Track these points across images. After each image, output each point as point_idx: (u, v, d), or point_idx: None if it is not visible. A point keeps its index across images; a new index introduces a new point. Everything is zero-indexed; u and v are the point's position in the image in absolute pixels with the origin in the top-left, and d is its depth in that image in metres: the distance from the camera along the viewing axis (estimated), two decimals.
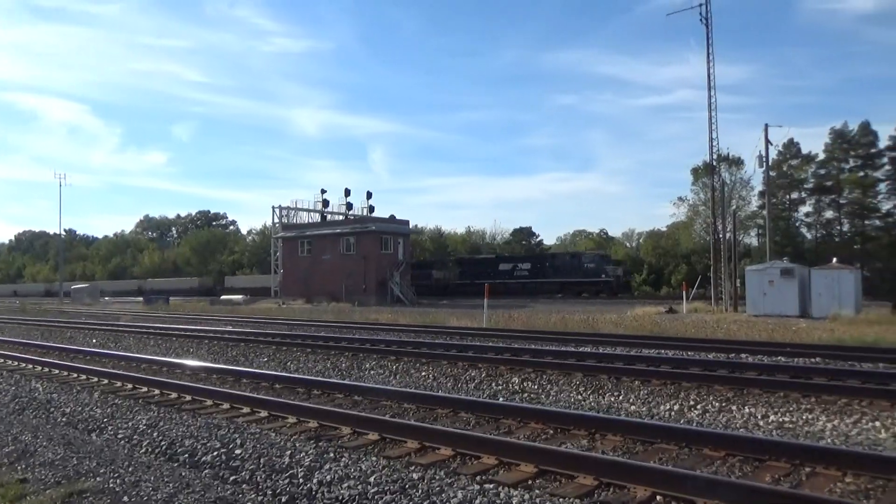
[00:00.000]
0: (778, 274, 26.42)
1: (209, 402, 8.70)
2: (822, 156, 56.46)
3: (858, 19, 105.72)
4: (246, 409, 8.18)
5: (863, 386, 8.81)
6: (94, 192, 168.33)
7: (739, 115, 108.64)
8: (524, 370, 10.93)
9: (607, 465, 5.22)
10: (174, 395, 9.32)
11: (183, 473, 5.71)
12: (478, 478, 5.31)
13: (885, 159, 54.59)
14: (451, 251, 77.56)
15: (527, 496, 4.79)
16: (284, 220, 59.24)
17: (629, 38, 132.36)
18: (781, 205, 56.79)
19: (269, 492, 5.15)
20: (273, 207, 59.35)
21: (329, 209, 59.43)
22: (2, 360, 13.95)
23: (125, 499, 5.07)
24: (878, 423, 7.29)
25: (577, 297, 47.26)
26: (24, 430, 7.61)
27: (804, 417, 7.69)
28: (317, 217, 59.60)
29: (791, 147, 56.45)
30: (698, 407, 8.39)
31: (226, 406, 8.45)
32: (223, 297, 57.83)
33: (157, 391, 9.66)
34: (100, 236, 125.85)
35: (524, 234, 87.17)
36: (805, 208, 57.94)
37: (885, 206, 54.08)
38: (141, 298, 60.18)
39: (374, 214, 56.27)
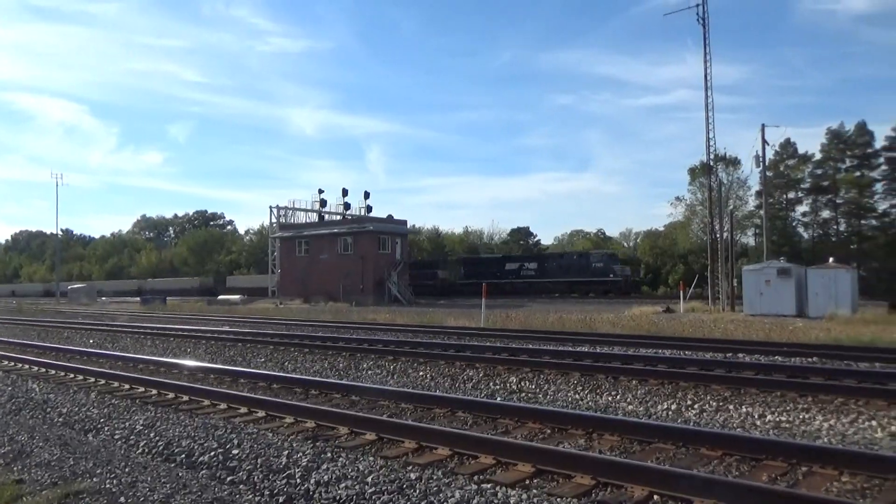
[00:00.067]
0: (775, 273, 26.48)
1: (206, 403, 8.69)
2: (818, 156, 56.67)
3: (855, 19, 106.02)
4: (243, 410, 8.17)
5: (859, 385, 8.83)
6: (91, 192, 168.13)
7: (737, 115, 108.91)
8: (522, 370, 10.93)
9: (605, 465, 5.22)
10: (171, 395, 9.31)
11: (180, 474, 5.70)
12: (475, 478, 5.31)
13: (882, 159, 54.77)
14: (449, 251, 77.53)
15: (524, 496, 4.79)
16: (282, 219, 59.19)
17: (627, 39, 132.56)
18: (778, 204, 56.91)
19: (267, 492, 5.15)
20: (270, 207, 59.33)
21: (327, 209, 59.41)
22: None
23: (122, 499, 5.06)
24: (874, 423, 7.31)
25: (583, 297, 46.93)
26: (20, 430, 7.59)
27: (801, 417, 7.70)
28: (314, 217, 59.58)
29: (788, 147, 56.58)
30: (695, 406, 8.40)
31: (223, 406, 8.43)
32: (220, 297, 57.76)
33: (154, 391, 9.64)
34: (97, 236, 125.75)
35: (522, 234, 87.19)
36: (802, 208, 58.14)
37: (882, 206, 54.31)
38: (139, 299, 60.09)
39: (372, 214, 56.26)
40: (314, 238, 53.46)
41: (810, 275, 26.16)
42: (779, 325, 20.73)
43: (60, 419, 8.21)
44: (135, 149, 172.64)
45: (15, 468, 6.05)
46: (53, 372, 12.11)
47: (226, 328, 21.76)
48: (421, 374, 11.55)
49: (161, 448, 6.51)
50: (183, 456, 6.21)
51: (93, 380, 11.01)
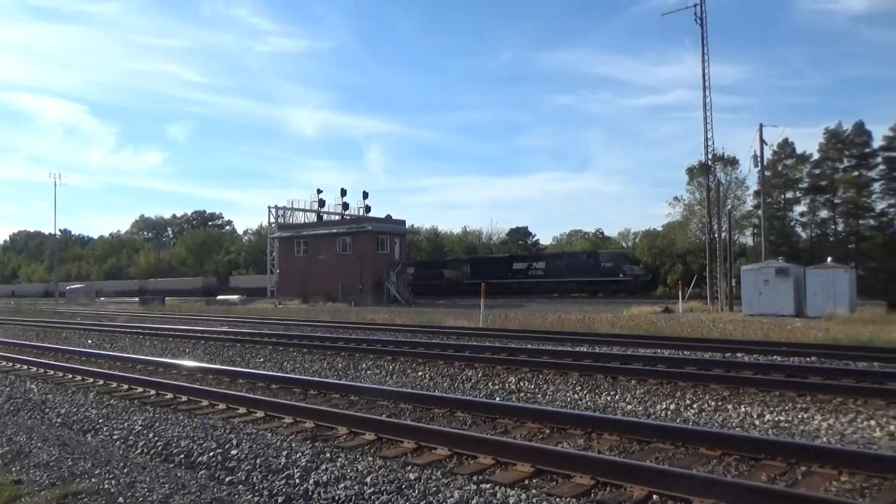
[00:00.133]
0: (773, 273, 26.50)
1: (205, 403, 8.68)
2: (816, 155, 56.64)
3: (854, 19, 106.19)
4: (242, 410, 8.17)
5: (858, 385, 8.84)
6: (90, 192, 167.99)
7: (735, 114, 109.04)
8: (521, 370, 10.93)
9: (604, 465, 5.22)
10: (170, 395, 9.30)
11: (179, 474, 5.69)
12: (474, 478, 5.31)
13: (880, 159, 54.78)
14: (449, 251, 77.52)
15: (523, 496, 4.79)
16: (281, 220, 59.13)
17: (625, 38, 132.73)
18: (776, 204, 56.93)
19: (266, 492, 5.14)
20: (269, 207, 59.24)
21: (325, 209, 59.34)
22: None
23: (120, 500, 5.05)
24: (873, 422, 7.31)
25: (592, 298, 46.47)
26: (18, 431, 7.58)
27: (800, 416, 7.71)
28: (313, 217, 59.51)
29: (786, 147, 56.56)
30: (694, 406, 8.41)
31: (222, 406, 8.43)
32: (219, 297, 57.71)
33: (152, 392, 9.63)
34: (95, 236, 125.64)
35: (520, 233, 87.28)
36: (800, 208, 58.11)
37: (880, 206, 54.31)
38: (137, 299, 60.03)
39: (371, 214, 56.23)
40: (313, 238, 53.42)
41: (808, 274, 26.19)
42: (777, 324, 20.75)
43: (59, 419, 8.20)
44: (134, 149, 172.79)
45: (13, 469, 6.04)
46: (52, 372, 12.10)
47: (224, 328, 21.74)
48: (420, 374, 11.55)
49: (160, 448, 6.50)
50: (182, 456, 6.20)
51: (91, 380, 10.99)
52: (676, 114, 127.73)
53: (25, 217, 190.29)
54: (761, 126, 34.14)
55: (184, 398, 9.04)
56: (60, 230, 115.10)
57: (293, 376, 11.05)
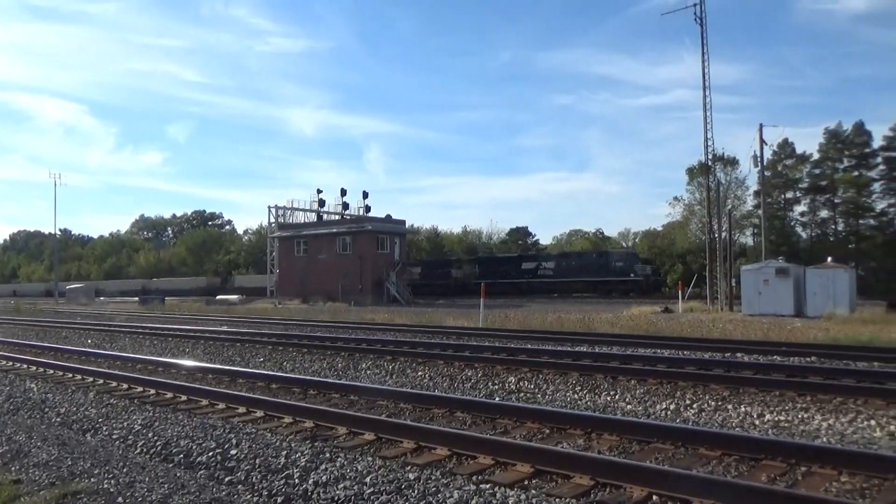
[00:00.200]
0: (773, 273, 26.50)
1: (205, 402, 8.67)
2: (816, 155, 56.69)
3: (854, 19, 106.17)
4: (242, 409, 8.16)
5: (858, 385, 8.83)
6: (90, 192, 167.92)
7: (735, 114, 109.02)
8: (520, 370, 10.92)
9: (604, 465, 5.21)
10: (169, 395, 9.30)
11: (178, 474, 5.69)
12: (474, 478, 5.30)
13: (879, 159, 54.82)
14: (448, 251, 77.50)
15: (523, 496, 4.78)
16: (280, 219, 59.11)
17: (625, 38, 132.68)
18: (776, 204, 56.95)
19: (265, 492, 5.14)
20: (269, 207, 59.18)
21: (325, 209, 59.32)
22: None
23: (119, 499, 5.05)
24: (873, 422, 7.31)
25: (605, 297, 45.96)
26: (18, 430, 7.58)
27: (800, 416, 7.71)
28: (313, 217, 59.50)
29: (786, 147, 56.59)
30: (694, 406, 8.40)
31: (221, 406, 8.42)
32: (219, 297, 57.69)
33: (152, 391, 9.63)
34: (95, 236, 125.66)
35: (520, 233, 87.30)
36: (800, 208, 58.15)
37: (880, 206, 54.36)
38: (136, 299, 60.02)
39: (371, 214, 56.21)
40: (312, 238, 53.41)
41: (808, 274, 26.19)
42: (777, 324, 20.74)
43: (58, 419, 8.20)
44: (134, 149, 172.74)
45: (13, 468, 6.03)
46: (51, 372, 12.09)
47: (224, 328, 21.74)
48: (419, 374, 11.54)
49: (159, 448, 6.50)
50: (181, 456, 6.19)
51: (91, 379, 10.99)
52: (676, 114, 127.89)
53: (25, 217, 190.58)
54: (761, 126, 34.18)
55: (183, 398, 9.03)
56: (60, 230, 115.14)
57: (293, 376, 11.05)
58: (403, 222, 57.00)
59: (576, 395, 9.40)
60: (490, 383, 10.47)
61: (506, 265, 56.79)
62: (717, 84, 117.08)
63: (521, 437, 6.64)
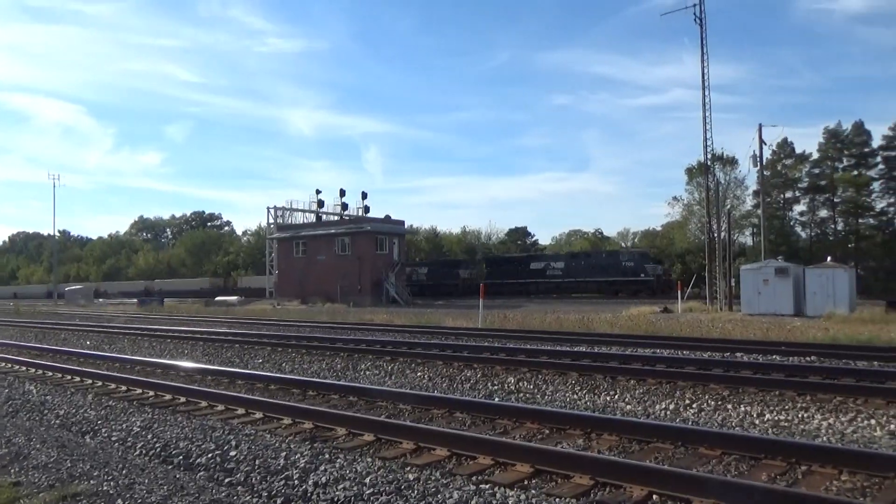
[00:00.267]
0: (772, 273, 26.52)
1: (204, 404, 8.66)
2: (816, 155, 56.81)
3: (852, 19, 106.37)
4: (241, 411, 8.15)
5: (857, 384, 8.83)
6: (88, 193, 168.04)
7: (734, 114, 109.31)
8: (520, 370, 10.92)
9: (603, 465, 5.20)
10: (168, 396, 9.28)
11: (177, 476, 5.68)
12: (474, 478, 5.30)
13: (879, 158, 54.95)
14: (447, 251, 77.49)
15: (523, 496, 4.77)
16: (279, 220, 59.13)
17: (623, 38, 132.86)
18: (776, 204, 57.00)
19: (265, 494, 5.13)
20: (268, 208, 59.27)
21: (324, 209, 59.35)
22: None
23: (119, 501, 5.04)
24: (873, 422, 7.31)
25: (614, 298, 45.56)
26: (17, 432, 7.56)
27: (799, 416, 7.70)
28: (312, 217, 59.52)
29: (785, 146, 56.69)
30: (694, 406, 8.40)
31: (220, 407, 8.41)
32: (218, 298, 57.67)
33: (151, 393, 9.61)
34: (94, 237, 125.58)
35: (519, 233, 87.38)
36: (799, 207, 58.26)
37: (879, 205, 54.50)
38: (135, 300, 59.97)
39: (369, 215, 56.21)
40: (311, 239, 53.40)
41: (808, 274, 26.20)
42: (777, 324, 20.75)
43: (57, 421, 8.18)
44: (132, 149, 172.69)
45: (12, 470, 6.02)
46: (50, 374, 12.07)
47: (223, 329, 21.72)
48: (419, 374, 11.53)
49: (158, 450, 6.48)
50: (180, 457, 6.18)
51: (90, 381, 10.97)
52: (675, 113, 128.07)
53: (24, 218, 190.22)
54: (760, 126, 34.19)
55: (182, 399, 9.02)
56: (59, 231, 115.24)
57: (292, 377, 11.03)
58: (402, 223, 57.02)
59: (575, 396, 9.39)
60: (489, 384, 10.46)
61: (514, 265, 56.23)
62: (716, 84, 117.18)
63: (521, 438, 6.63)
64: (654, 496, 4.72)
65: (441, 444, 6.08)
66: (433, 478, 5.28)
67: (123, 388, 10.19)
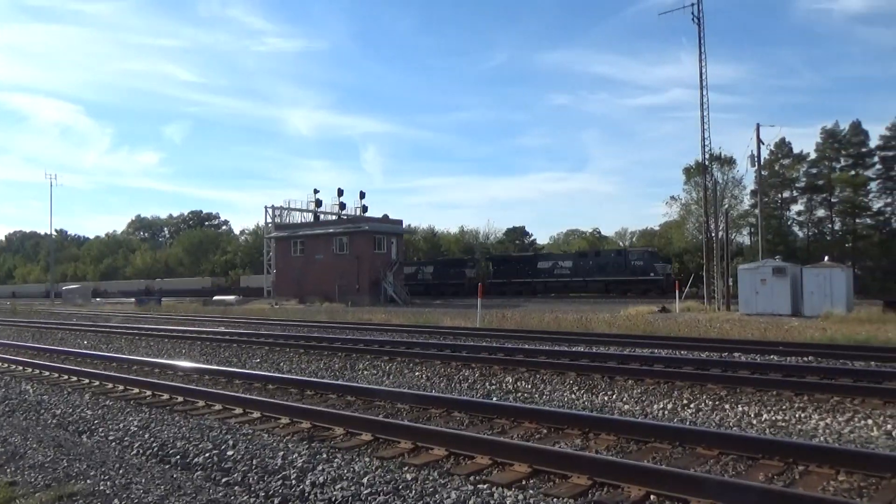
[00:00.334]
0: (770, 273, 26.53)
1: (201, 404, 8.65)
2: (813, 155, 56.88)
3: (850, 19, 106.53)
4: (238, 410, 8.14)
5: (855, 384, 8.83)
6: (86, 193, 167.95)
7: (732, 114, 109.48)
8: (518, 370, 10.91)
9: (601, 465, 5.20)
10: (166, 396, 9.26)
11: (174, 475, 5.67)
12: (472, 478, 5.29)
13: (876, 158, 55.03)
14: (444, 251, 77.46)
15: (521, 496, 4.77)
16: (277, 220, 59.06)
17: (623, 38, 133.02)
18: (773, 204, 57.06)
19: (262, 493, 5.12)
20: (266, 207, 59.23)
21: (322, 209, 59.30)
22: None
23: (116, 501, 5.02)
24: (870, 421, 7.31)
25: (624, 297, 44.81)
26: (13, 432, 7.54)
27: (797, 416, 7.71)
28: (310, 217, 59.46)
29: (783, 146, 56.76)
30: (691, 406, 8.40)
31: (218, 407, 8.40)
32: (216, 297, 57.61)
33: (148, 392, 9.59)
34: (91, 237, 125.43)
35: (517, 233, 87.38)
36: (797, 207, 58.37)
37: (876, 205, 54.59)
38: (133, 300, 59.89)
39: (368, 214, 56.16)
40: (309, 238, 53.34)
41: (805, 274, 26.22)
42: (774, 324, 20.76)
43: (54, 421, 8.16)
44: (130, 149, 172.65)
45: (8, 470, 6.00)
46: (47, 373, 12.04)
47: (221, 329, 21.69)
48: (417, 374, 11.53)
49: (155, 449, 6.47)
50: (177, 457, 6.17)
51: (87, 381, 10.95)
52: (673, 113, 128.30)
53: (21, 218, 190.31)
54: (758, 126, 34.26)
55: (180, 399, 9.00)
56: (56, 231, 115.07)
57: (289, 377, 11.02)
58: (400, 222, 56.97)
59: (573, 395, 9.39)
60: (487, 383, 10.46)
61: (522, 264, 55.55)
62: (714, 84, 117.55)
63: (519, 437, 6.63)
64: (652, 496, 4.72)
65: (439, 444, 6.08)
66: (431, 477, 5.28)
67: (121, 387, 10.17)
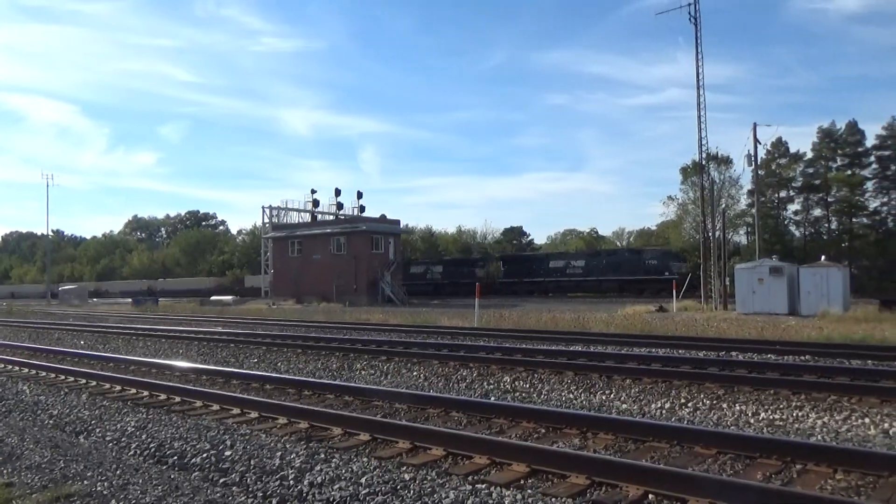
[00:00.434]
0: (767, 272, 26.58)
1: (199, 404, 8.63)
2: (810, 154, 56.92)
3: (847, 19, 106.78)
4: (236, 411, 8.12)
5: (852, 383, 8.85)
6: (83, 193, 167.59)
7: (728, 114, 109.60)
8: (516, 369, 10.91)
9: (600, 464, 5.20)
10: (163, 396, 9.24)
11: (172, 476, 5.65)
12: (470, 478, 5.29)
13: (872, 158, 55.10)
14: (441, 250, 77.43)
15: (519, 496, 4.77)
16: (274, 220, 59.04)
17: (620, 38, 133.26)
18: (770, 203, 57.12)
19: (260, 494, 5.11)
20: (263, 207, 59.25)
21: (319, 209, 59.29)
22: None
23: (113, 502, 5.01)
24: (867, 420, 7.33)
25: (637, 297, 44.08)
26: (10, 432, 7.52)
27: (794, 415, 7.72)
28: (307, 217, 59.45)
29: (779, 146, 56.80)
30: (689, 405, 8.41)
31: (215, 407, 8.38)
32: (213, 297, 57.54)
33: (145, 393, 9.57)
34: (88, 237, 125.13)
35: (515, 233, 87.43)
36: (793, 206, 58.36)
37: (873, 204, 54.63)
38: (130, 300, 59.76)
39: (365, 214, 56.14)
40: (307, 238, 53.31)
41: (802, 273, 26.27)
42: (771, 323, 20.80)
43: (51, 421, 8.14)
44: (127, 149, 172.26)
45: (5, 471, 5.98)
46: (44, 374, 12.01)
47: (218, 329, 21.66)
48: (415, 374, 11.52)
49: (153, 450, 6.45)
50: (175, 458, 6.16)
51: (84, 381, 10.92)
52: (670, 113, 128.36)
53: (18, 218, 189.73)
54: (755, 125, 34.35)
55: (177, 399, 8.99)
56: (53, 231, 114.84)
57: (287, 377, 11.00)
58: (398, 222, 56.99)
59: (571, 395, 9.40)
60: (485, 383, 10.45)
61: (533, 264, 54.91)
62: (711, 83, 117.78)
63: (517, 437, 6.63)
64: (650, 495, 4.72)
65: (437, 444, 6.07)
66: (429, 477, 5.27)
67: (118, 387, 10.15)
